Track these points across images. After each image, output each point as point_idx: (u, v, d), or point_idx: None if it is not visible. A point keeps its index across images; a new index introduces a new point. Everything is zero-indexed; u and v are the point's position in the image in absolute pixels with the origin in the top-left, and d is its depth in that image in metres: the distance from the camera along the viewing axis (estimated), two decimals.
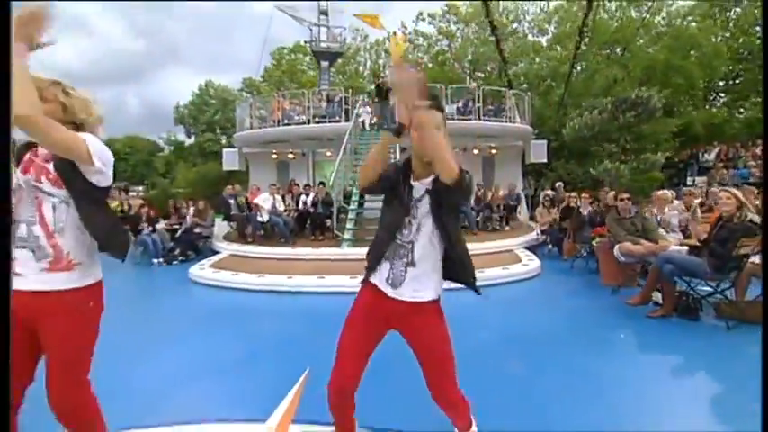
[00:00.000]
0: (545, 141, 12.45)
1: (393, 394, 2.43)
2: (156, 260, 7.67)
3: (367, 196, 7.24)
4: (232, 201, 9.08)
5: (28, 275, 1.46)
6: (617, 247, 4.74)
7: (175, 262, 7.78)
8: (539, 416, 2.35)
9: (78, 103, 1.59)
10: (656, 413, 2.39)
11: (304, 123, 11.72)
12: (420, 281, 1.60)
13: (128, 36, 49.30)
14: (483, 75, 20.42)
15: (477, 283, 1.71)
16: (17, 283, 1.42)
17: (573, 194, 8.01)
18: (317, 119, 11.77)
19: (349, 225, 7.71)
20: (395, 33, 16.49)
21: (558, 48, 19.97)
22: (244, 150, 13.34)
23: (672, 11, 19.92)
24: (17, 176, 1.48)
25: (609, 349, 3.48)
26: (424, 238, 1.59)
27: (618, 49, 19.42)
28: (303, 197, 9.09)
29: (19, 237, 1.47)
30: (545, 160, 12.04)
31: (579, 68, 18.33)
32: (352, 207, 8.03)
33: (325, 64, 16.21)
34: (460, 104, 11.35)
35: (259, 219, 8.41)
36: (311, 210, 8.67)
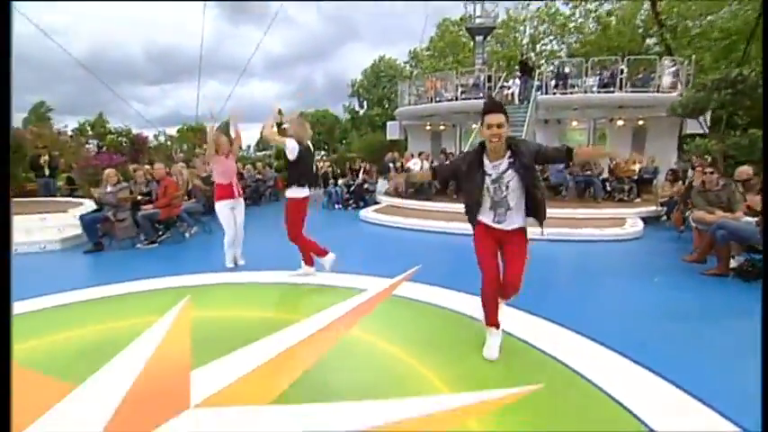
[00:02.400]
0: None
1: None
2: (337, 205, 10.95)
3: None
4: (391, 164, 11.76)
5: None
6: (692, 215, 5.46)
7: (350, 208, 10.89)
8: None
9: None
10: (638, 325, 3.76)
11: (452, 100, 13.54)
12: (513, 218, 2.51)
13: (318, 22, 57.61)
14: (660, 36, 18.16)
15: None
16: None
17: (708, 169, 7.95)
18: (463, 95, 13.45)
19: None
20: None
21: None
22: (403, 123, 15.95)
23: None
24: None
25: (641, 285, 4.59)
26: (513, 193, 2.44)
27: None
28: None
29: None
30: (702, 131, 11.08)
31: None
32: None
33: (479, 38, 17.36)
34: (605, 75, 11.40)
35: None
36: None
